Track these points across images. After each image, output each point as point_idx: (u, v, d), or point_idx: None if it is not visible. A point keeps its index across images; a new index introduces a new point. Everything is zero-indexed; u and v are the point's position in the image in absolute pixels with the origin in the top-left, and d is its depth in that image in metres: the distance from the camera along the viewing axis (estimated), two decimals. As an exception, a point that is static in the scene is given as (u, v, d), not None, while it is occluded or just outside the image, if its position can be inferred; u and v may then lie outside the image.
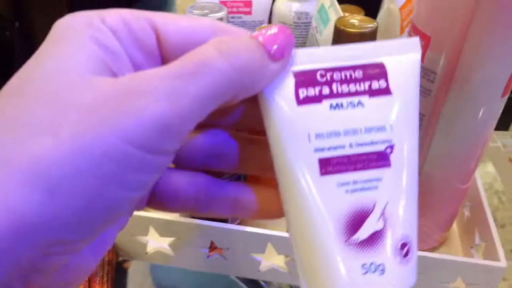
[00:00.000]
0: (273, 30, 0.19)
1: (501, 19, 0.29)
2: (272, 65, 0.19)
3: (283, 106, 0.20)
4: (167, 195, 0.21)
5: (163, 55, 0.19)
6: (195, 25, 0.19)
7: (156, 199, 0.21)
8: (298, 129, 0.20)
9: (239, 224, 0.41)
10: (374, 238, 0.20)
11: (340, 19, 0.30)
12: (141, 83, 0.16)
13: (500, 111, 0.35)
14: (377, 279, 0.20)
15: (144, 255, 0.41)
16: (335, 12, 0.36)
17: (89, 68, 0.17)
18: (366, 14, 0.46)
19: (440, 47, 0.32)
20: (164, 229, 0.39)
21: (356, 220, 0.20)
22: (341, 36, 0.30)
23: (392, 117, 0.21)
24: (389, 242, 0.20)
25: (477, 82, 0.32)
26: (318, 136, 0.20)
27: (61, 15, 0.18)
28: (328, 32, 0.36)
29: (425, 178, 0.38)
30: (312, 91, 0.20)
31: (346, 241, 0.20)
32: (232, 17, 0.49)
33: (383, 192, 0.20)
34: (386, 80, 0.21)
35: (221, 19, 0.30)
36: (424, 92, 0.34)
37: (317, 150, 0.20)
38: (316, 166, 0.20)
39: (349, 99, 0.21)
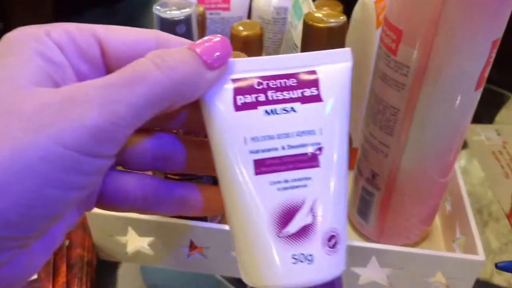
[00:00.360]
0: (211, 40, 0.21)
1: (469, 13, 0.29)
2: (208, 74, 0.20)
3: (222, 111, 0.22)
4: (116, 196, 0.22)
5: (108, 66, 0.21)
6: (138, 37, 0.21)
7: (104, 199, 0.22)
8: (235, 132, 0.22)
9: (219, 222, 0.41)
10: (304, 231, 0.22)
11: (308, 14, 0.30)
12: (78, 92, 0.18)
13: (476, 104, 0.35)
14: (306, 268, 0.21)
15: (125, 255, 0.41)
16: (307, 6, 0.36)
17: (32, 80, 0.18)
18: (344, 8, 0.46)
19: (412, 41, 0.32)
20: (142, 229, 0.39)
21: (287, 215, 0.22)
22: (309, 31, 0.30)
23: (321, 122, 0.23)
24: (317, 235, 0.22)
25: (449, 76, 0.32)
26: (253, 139, 0.22)
27: (45, 15, 0.20)
28: (301, 26, 0.35)
29: (403, 173, 0.38)
30: (249, 98, 0.22)
31: (278, 234, 0.22)
32: (211, 14, 0.49)
33: (312, 190, 0.22)
34: (318, 88, 0.23)
35: (189, 15, 0.30)
36: (398, 86, 0.34)
37: (252, 152, 0.22)
38: (251, 166, 0.22)
39: (283, 105, 0.23)
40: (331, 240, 0.22)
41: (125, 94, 0.18)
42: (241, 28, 0.43)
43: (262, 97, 0.23)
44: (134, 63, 0.19)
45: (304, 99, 0.23)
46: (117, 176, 0.22)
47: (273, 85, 0.23)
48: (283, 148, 0.23)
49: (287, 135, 0.23)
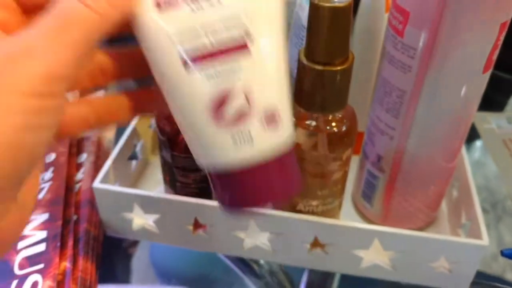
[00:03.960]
0: None
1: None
2: None
3: (147, 18, 0.23)
4: (71, 125, 0.24)
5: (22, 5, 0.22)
6: None
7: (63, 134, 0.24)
8: (163, 34, 0.23)
9: None
10: (240, 113, 0.24)
11: (315, -6, 0.30)
12: (20, 46, 0.19)
13: (483, 87, 0.35)
14: (247, 147, 0.24)
15: (130, 232, 0.42)
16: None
17: None
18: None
19: (419, 23, 0.32)
20: (148, 206, 0.39)
21: (223, 101, 0.24)
22: (315, 11, 0.30)
23: (249, 10, 0.23)
24: (254, 115, 0.23)
25: (456, 58, 0.32)
26: (179, 35, 0.23)
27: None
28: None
29: (409, 156, 0.37)
30: None
31: (216, 120, 0.24)
32: None
33: (244, 78, 0.24)
34: None
35: None
36: (404, 68, 0.34)
37: (180, 49, 0.23)
38: (180, 64, 0.23)
39: None
40: (270, 118, 0.24)
41: (64, 38, 0.19)
42: None
43: None
44: (59, 4, 0.20)
45: None
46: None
47: None
48: (212, 42, 0.23)
49: (214, 29, 0.23)
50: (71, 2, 0.20)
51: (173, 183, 0.40)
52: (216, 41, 0.23)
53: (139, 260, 0.44)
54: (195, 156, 0.26)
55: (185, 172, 0.38)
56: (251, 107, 0.24)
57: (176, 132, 0.36)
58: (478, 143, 0.57)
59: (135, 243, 0.45)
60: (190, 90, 0.24)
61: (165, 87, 0.24)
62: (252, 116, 0.24)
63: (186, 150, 0.36)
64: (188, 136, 0.25)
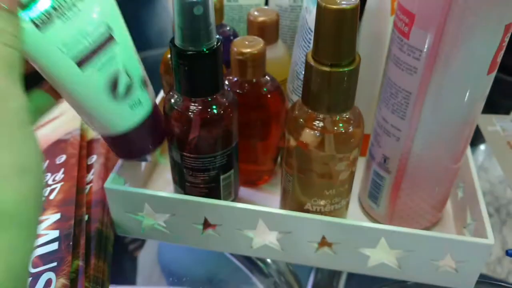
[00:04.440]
0: None
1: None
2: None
3: (32, 37, 0.28)
4: None
5: None
6: None
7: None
8: (49, 47, 0.29)
9: (232, 201, 0.42)
10: (128, 87, 0.34)
11: (322, -4, 0.31)
12: None
13: (488, 89, 0.36)
14: (139, 109, 0.35)
15: (140, 231, 0.42)
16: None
17: None
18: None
19: (424, 24, 0.32)
20: (158, 206, 0.40)
21: (115, 82, 0.33)
22: (322, 13, 0.30)
23: (104, 10, 0.32)
24: (136, 84, 0.34)
25: (461, 59, 0.33)
26: (64, 45, 0.29)
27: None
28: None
29: (415, 157, 0.38)
30: (43, 15, 0.28)
31: (114, 97, 0.33)
32: (229, 1, 0.50)
33: (120, 60, 0.33)
34: None
35: None
36: (410, 69, 0.34)
37: (69, 55, 0.30)
38: (75, 66, 0.30)
39: (68, 7, 0.29)
40: (144, 83, 0.36)
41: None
42: (257, 13, 0.44)
43: (49, 9, 0.28)
44: None
45: None
46: None
47: None
48: (90, 42, 0.31)
49: (84, 29, 0.30)
50: None
51: (182, 184, 0.41)
52: (93, 40, 0.31)
53: (144, 260, 0.45)
54: (95, 130, 0.36)
55: (194, 172, 0.39)
56: (132, 80, 0.34)
57: (185, 133, 0.37)
58: (482, 147, 0.58)
59: (140, 244, 0.46)
60: (89, 83, 0.32)
61: (62, 86, 0.31)
62: (135, 86, 0.34)
63: (195, 150, 0.37)
64: (89, 116, 0.34)
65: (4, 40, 0.23)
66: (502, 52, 0.33)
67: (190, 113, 0.36)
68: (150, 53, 0.58)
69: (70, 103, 0.33)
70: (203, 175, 0.39)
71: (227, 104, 0.37)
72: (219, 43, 0.34)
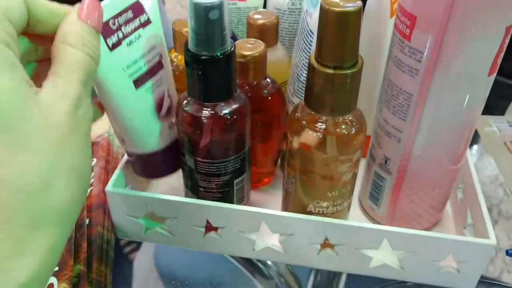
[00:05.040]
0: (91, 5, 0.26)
1: (483, -3, 0.30)
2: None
3: (103, 55, 0.30)
4: None
5: None
6: None
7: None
8: (115, 68, 0.33)
9: (244, 204, 0.42)
10: (169, 108, 0.38)
11: (326, -1, 0.31)
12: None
13: (488, 90, 0.36)
14: (172, 131, 0.39)
15: (142, 235, 0.42)
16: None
17: None
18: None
19: (426, 27, 0.33)
20: (160, 209, 0.40)
21: (160, 103, 0.37)
22: (326, 15, 0.30)
23: (157, 36, 0.36)
24: (173, 107, 0.38)
25: (462, 61, 0.33)
26: (128, 66, 0.34)
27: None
28: (317, 14, 0.36)
29: (415, 158, 0.38)
30: (114, 38, 0.32)
31: (158, 117, 0.37)
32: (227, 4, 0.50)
33: (165, 84, 0.37)
34: (146, 13, 0.35)
35: (222, 1, 0.31)
36: (411, 71, 0.35)
37: (130, 75, 0.34)
38: (132, 85, 0.34)
39: (134, 35, 0.34)
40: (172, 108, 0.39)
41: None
42: (257, 16, 0.44)
43: (120, 34, 0.33)
44: (68, 56, 0.24)
45: (143, 25, 0.34)
46: None
47: (121, 21, 0.33)
48: (145, 64, 0.35)
49: (144, 55, 0.35)
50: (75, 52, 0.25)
51: (195, 189, 0.40)
52: (148, 64, 0.35)
53: (140, 264, 0.44)
54: (131, 147, 0.38)
55: (208, 177, 0.39)
56: (172, 102, 0.38)
57: (198, 138, 0.36)
58: (474, 148, 0.58)
59: (136, 247, 0.45)
60: (141, 101, 0.35)
61: (116, 102, 0.34)
62: (172, 108, 0.38)
63: (208, 155, 0.37)
64: (132, 132, 0.36)
65: (89, 51, 0.25)
66: (503, 54, 0.34)
67: (203, 118, 0.36)
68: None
69: (116, 120, 0.35)
70: (217, 180, 0.39)
71: (240, 108, 0.37)
72: (233, 48, 0.34)
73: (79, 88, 0.24)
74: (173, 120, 0.38)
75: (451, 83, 0.34)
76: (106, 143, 0.49)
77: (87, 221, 0.41)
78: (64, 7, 0.26)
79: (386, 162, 0.40)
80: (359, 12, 0.31)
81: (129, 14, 0.33)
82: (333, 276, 0.43)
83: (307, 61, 0.42)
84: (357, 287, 0.43)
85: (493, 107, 0.62)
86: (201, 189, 0.40)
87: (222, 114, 0.36)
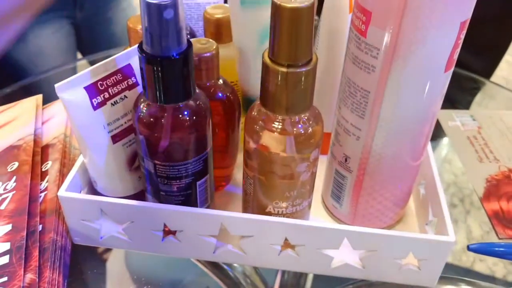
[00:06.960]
0: None
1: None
2: None
3: (84, 114, 0.36)
4: None
5: None
6: None
7: None
8: (96, 124, 0.36)
9: (207, 207, 0.41)
10: (140, 164, 0.38)
11: (277, -5, 0.30)
12: None
13: (446, 86, 0.36)
14: (141, 181, 0.41)
15: (99, 240, 0.41)
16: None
17: None
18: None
19: (381, 23, 0.32)
20: (116, 213, 0.39)
21: (132, 158, 0.40)
22: (277, 12, 0.30)
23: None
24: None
25: (418, 57, 0.32)
26: (108, 124, 0.37)
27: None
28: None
29: (375, 156, 0.38)
30: (99, 98, 0.36)
31: (130, 169, 0.40)
32: None
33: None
34: (135, 76, 0.38)
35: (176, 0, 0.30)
36: (368, 68, 0.34)
37: (109, 132, 0.37)
38: (110, 141, 0.38)
39: (120, 96, 0.37)
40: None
41: None
42: (213, 11, 0.43)
43: (106, 95, 0.36)
44: None
45: (130, 87, 0.37)
46: None
47: (110, 83, 0.36)
48: (125, 123, 0.38)
49: (125, 114, 0.38)
50: None
51: (156, 193, 0.39)
52: (128, 121, 0.38)
53: (113, 266, 0.43)
54: (100, 189, 0.41)
55: (169, 180, 0.37)
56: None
57: (157, 141, 0.35)
58: (445, 140, 0.58)
59: (108, 249, 0.44)
60: (115, 154, 0.39)
61: (93, 152, 0.38)
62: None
63: (168, 158, 0.36)
64: (103, 180, 0.40)
65: None
66: (458, 49, 0.33)
67: (161, 120, 0.34)
68: (116, 51, 0.56)
69: (92, 167, 0.40)
70: (178, 182, 0.38)
71: (200, 108, 0.35)
72: (190, 47, 0.32)
73: None
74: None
75: (408, 79, 0.34)
76: (62, 145, 0.47)
77: (40, 227, 0.39)
78: None
79: (346, 160, 0.40)
80: (311, 9, 0.30)
81: (118, 76, 0.36)
82: (301, 274, 0.42)
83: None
84: (324, 284, 0.43)
85: (458, 101, 0.62)
86: (162, 193, 0.38)
87: (181, 115, 0.34)
